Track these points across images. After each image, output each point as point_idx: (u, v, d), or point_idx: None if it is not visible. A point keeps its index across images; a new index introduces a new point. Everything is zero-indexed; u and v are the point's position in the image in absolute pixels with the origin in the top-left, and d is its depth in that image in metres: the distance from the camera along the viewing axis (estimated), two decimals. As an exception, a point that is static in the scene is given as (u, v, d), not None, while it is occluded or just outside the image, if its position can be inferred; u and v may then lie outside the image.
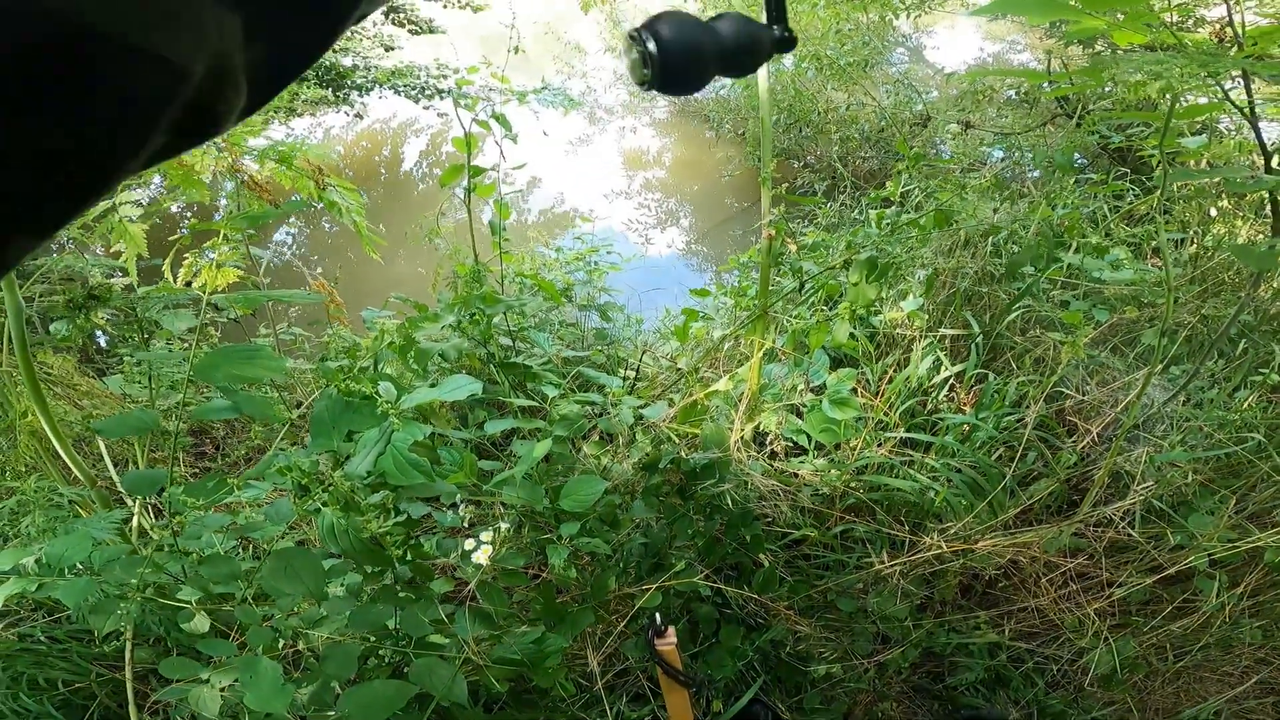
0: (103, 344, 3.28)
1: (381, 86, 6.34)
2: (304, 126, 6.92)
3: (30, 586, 1.04)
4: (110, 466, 2.07)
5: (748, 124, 5.52)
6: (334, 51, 6.10)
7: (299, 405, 2.70)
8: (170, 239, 1.18)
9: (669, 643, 1.10)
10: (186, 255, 1.07)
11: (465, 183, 1.61)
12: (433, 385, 0.79)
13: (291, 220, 5.98)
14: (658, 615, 1.13)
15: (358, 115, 6.62)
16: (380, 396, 0.71)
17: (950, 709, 1.67)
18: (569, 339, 2.28)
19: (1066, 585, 1.62)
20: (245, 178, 1.32)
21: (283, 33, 0.24)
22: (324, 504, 0.74)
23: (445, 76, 6.45)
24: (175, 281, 1.09)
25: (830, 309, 1.50)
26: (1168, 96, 1.18)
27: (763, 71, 1.30)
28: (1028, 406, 1.66)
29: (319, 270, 5.32)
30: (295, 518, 0.93)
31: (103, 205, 1.30)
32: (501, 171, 1.65)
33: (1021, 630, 1.65)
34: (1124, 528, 1.59)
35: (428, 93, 6.39)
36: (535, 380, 1.41)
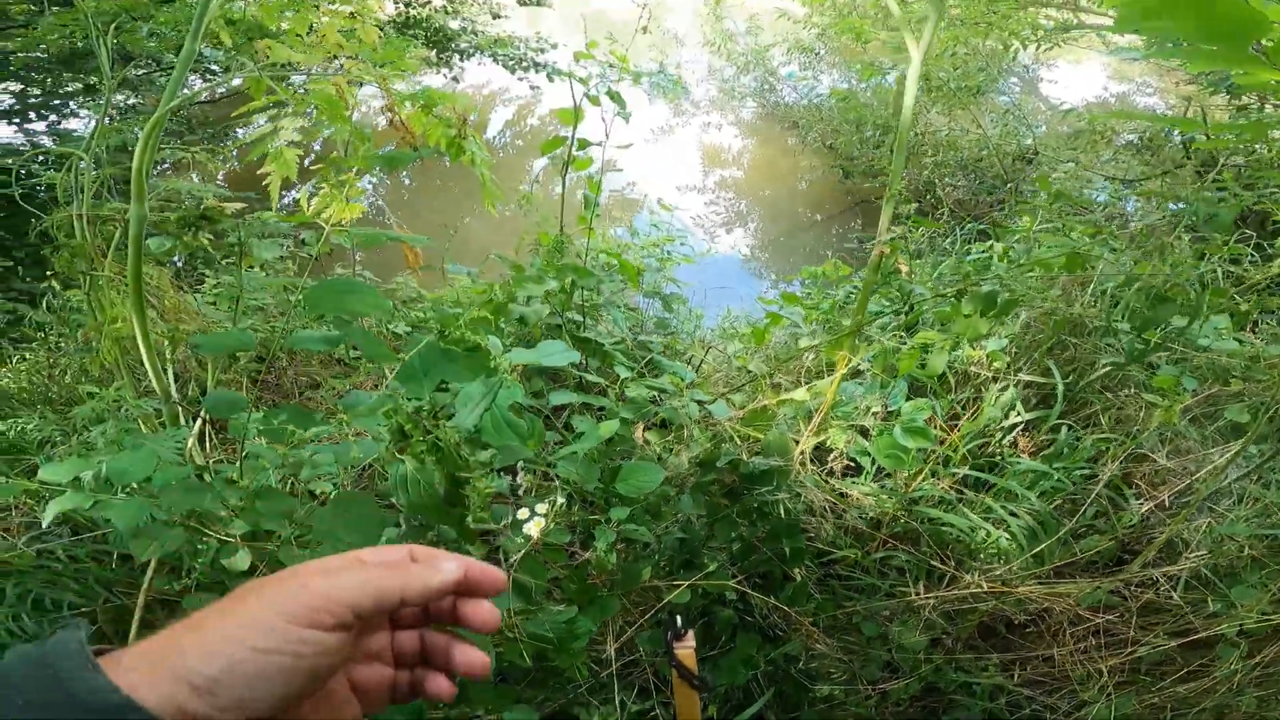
0: (179, 264, 3.45)
1: (482, 53, 6.43)
2: (401, 86, 7.09)
3: (85, 503, 0.99)
4: (171, 383, 2.10)
5: (838, 136, 5.40)
6: (444, 13, 6.21)
7: (354, 348, 2.79)
8: (312, 166, 1.21)
9: (688, 646, 1.05)
10: (322, 186, 1.10)
11: (565, 155, 1.62)
12: (528, 347, 0.80)
13: (374, 172, 6.16)
14: (678, 618, 1.10)
15: (454, 79, 6.73)
16: (490, 352, 0.72)
17: None
18: (629, 323, 2.29)
19: (1088, 639, 1.59)
20: (395, 118, 1.36)
21: None
22: (410, 452, 0.76)
23: (543, 50, 6.51)
24: (308, 211, 1.13)
25: (908, 336, 1.47)
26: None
27: (911, 82, 1.28)
28: (1104, 464, 1.60)
29: (390, 221, 5.47)
30: (367, 460, 0.94)
31: (265, 130, 1.36)
32: (605, 148, 1.65)
33: (1029, 678, 1.62)
34: (1166, 590, 1.57)
35: (524, 64, 6.46)
36: (605, 359, 1.42)
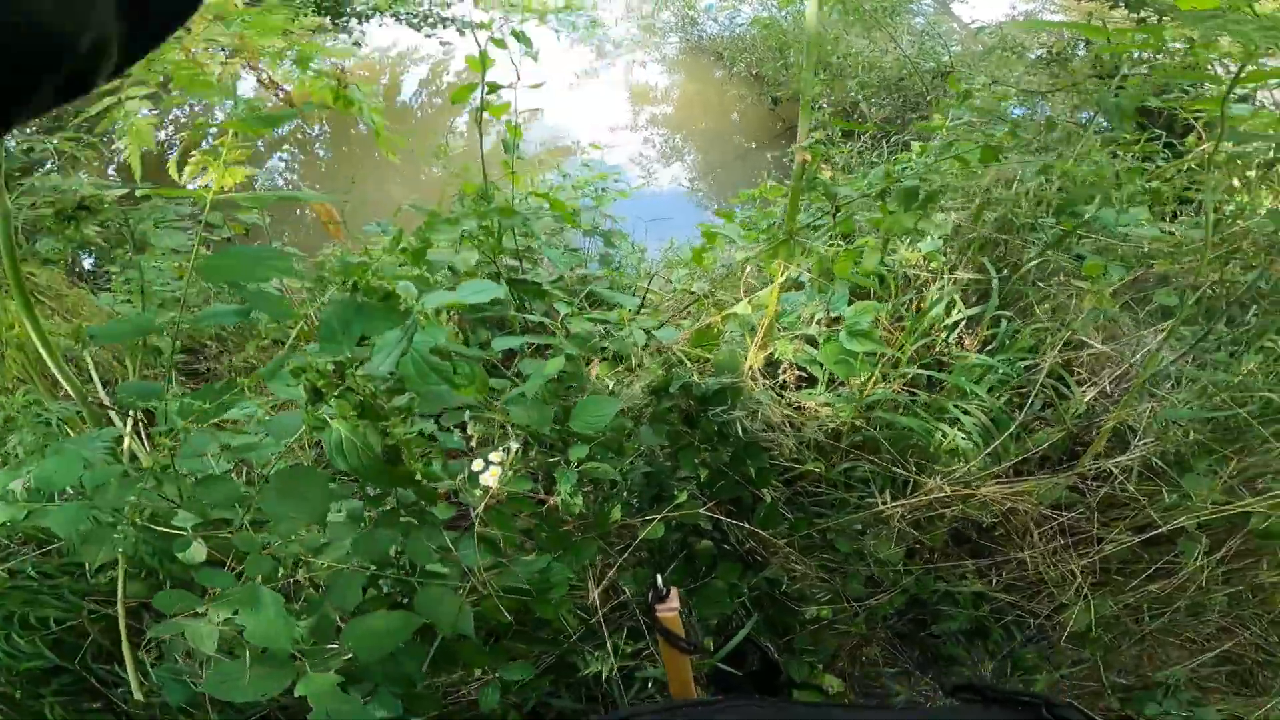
0: (88, 265, 3.19)
1: (382, 14, 6.04)
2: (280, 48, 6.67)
3: (19, 515, 0.97)
4: (99, 385, 1.95)
5: (763, 65, 5.34)
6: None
7: (293, 325, 2.65)
8: (180, 137, 1.10)
9: (671, 609, 0.99)
10: (193, 154, 1.00)
11: (477, 102, 1.52)
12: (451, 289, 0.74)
13: (286, 145, 5.80)
14: (659, 577, 1.01)
15: (356, 44, 6.34)
16: (402, 295, 0.66)
17: (940, 669, 1.70)
18: (573, 264, 2.24)
19: (1055, 539, 1.62)
20: (265, 77, 1.23)
21: (149, 7, 0.28)
22: (338, 413, 0.70)
23: (449, 4, 6.17)
24: (181, 179, 1.03)
25: (848, 244, 1.47)
26: (1225, 61, 1.13)
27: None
28: (1043, 353, 1.65)
29: (297, 186, 5.19)
30: (300, 432, 0.88)
31: (106, 101, 1.22)
32: (517, 91, 1.57)
33: (1008, 583, 1.67)
34: (1121, 483, 1.59)
35: (430, 20, 6.12)
36: (544, 298, 1.36)
